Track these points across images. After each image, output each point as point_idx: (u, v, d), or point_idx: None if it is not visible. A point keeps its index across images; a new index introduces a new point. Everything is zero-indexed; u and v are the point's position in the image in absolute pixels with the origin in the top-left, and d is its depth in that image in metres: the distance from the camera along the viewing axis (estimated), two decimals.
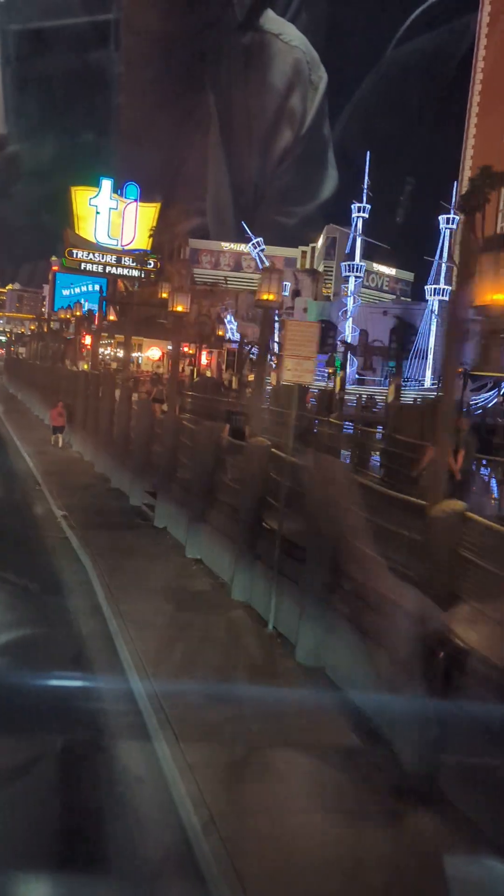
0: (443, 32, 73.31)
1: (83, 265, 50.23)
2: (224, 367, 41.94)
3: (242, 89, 77.89)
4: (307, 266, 61.21)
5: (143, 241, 50.88)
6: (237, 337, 45.13)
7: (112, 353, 41.11)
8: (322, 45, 77.88)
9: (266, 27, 75.24)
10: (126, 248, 50.74)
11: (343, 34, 75.33)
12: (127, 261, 50.52)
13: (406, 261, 54.09)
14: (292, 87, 79.41)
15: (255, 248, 52.40)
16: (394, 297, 51.87)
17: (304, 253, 62.88)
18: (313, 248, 62.86)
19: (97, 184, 50.14)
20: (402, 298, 53.85)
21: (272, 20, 75.60)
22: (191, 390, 26.94)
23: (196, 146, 76.00)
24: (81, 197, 50.01)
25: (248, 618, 7.96)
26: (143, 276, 50.99)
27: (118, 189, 50.35)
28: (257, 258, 52.38)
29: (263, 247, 51.88)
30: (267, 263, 50.20)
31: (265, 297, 14.38)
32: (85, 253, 50.03)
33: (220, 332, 42.67)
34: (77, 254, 49.83)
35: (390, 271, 56.40)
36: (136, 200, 50.67)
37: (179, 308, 17.59)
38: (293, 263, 61.19)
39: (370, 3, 74.19)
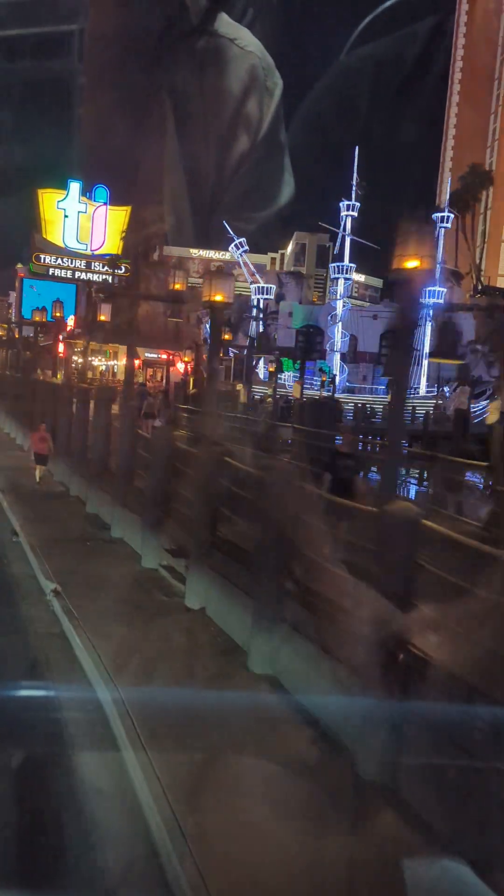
0: (397, 37, 74.18)
1: (51, 270, 48.54)
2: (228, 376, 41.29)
3: (198, 94, 77.08)
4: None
5: (113, 246, 49.46)
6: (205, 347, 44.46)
7: (83, 362, 39.57)
8: (276, 51, 77.64)
9: (221, 31, 74.61)
10: (96, 252, 49.23)
11: (297, 40, 75.27)
12: (97, 266, 49.00)
13: (376, 264, 53.87)
14: (248, 93, 79.00)
15: (238, 248, 51.27)
16: (366, 303, 51.48)
17: (273, 259, 62.24)
18: (282, 255, 62.28)
19: (65, 186, 48.53)
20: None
21: (227, 24, 75.03)
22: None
23: (153, 151, 74.68)
24: (48, 200, 48.36)
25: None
26: (114, 281, 49.47)
27: (87, 192, 48.83)
28: (240, 260, 51.25)
29: (246, 247, 50.79)
30: (251, 265, 49.42)
31: (215, 297, 13.44)
32: (53, 258, 48.35)
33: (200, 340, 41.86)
34: (45, 259, 48.11)
35: (359, 277, 56.20)
36: (105, 204, 49.26)
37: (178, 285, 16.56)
38: (262, 270, 60.50)
39: (324, 8, 74.21)
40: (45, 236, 48.34)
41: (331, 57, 77.18)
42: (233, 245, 51.23)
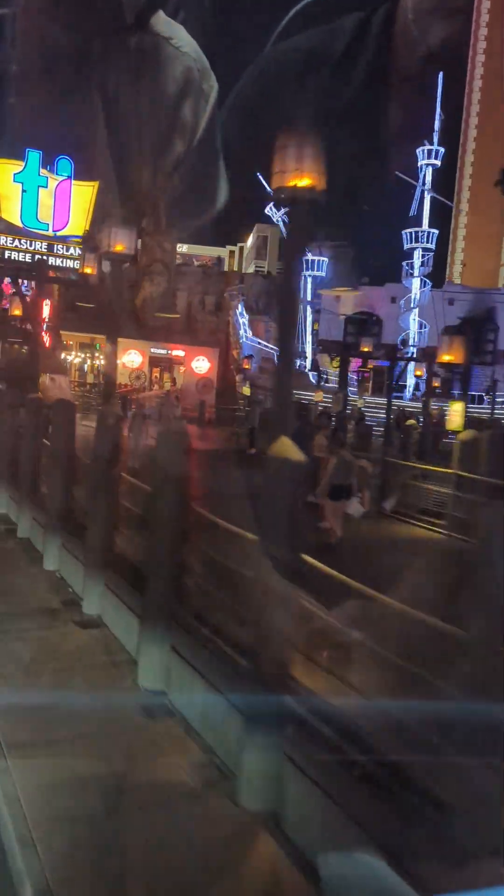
0: (322, 31, 72.24)
1: (6, 253, 41.40)
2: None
3: (131, 94, 71.92)
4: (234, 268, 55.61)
5: (78, 227, 43.03)
6: (247, 334, 38.57)
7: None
8: (209, 50, 74.12)
9: (157, 29, 70.09)
10: (58, 233, 42.58)
11: (228, 38, 72.16)
12: (60, 249, 42.34)
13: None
14: (183, 95, 74.60)
15: (279, 210, 45.09)
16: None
17: (231, 253, 57.27)
18: (241, 248, 57.33)
19: (23, 157, 41.86)
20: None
21: (163, 22, 70.60)
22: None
23: (84, 153, 68.58)
24: (4, 172, 41.55)
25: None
26: (79, 266, 42.90)
27: (47, 164, 42.36)
28: (281, 223, 45.22)
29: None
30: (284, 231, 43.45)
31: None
32: (9, 239, 41.32)
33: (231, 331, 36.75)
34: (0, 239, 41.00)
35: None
36: (69, 177, 42.89)
37: None
38: (222, 264, 55.23)
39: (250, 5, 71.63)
40: None
41: (258, 47, 74.76)
42: (271, 205, 45.12)
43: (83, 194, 43.20)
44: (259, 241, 55.06)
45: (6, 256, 41.57)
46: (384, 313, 39.77)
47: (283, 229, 43.93)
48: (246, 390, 36.70)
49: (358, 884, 2.10)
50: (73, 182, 42.88)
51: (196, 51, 74.64)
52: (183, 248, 50.79)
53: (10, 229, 41.48)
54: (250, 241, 55.94)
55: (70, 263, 42.63)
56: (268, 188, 45.07)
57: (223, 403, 39.91)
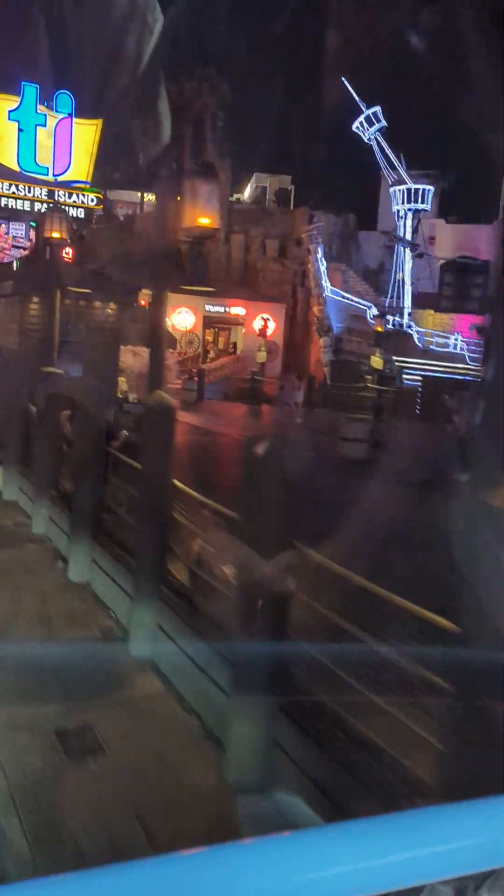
0: None
1: (4, 201, 37.00)
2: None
3: (74, 19, 65.68)
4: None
5: (81, 171, 38.52)
6: (328, 286, 32.50)
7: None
8: None
9: None
10: (59, 178, 38.05)
11: None
12: (62, 196, 37.90)
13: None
14: (127, 26, 68.69)
15: (371, 124, 37.21)
16: None
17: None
18: (238, 199, 52.29)
19: (17, 91, 37.08)
20: None
21: None
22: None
23: (24, 72, 62.51)
24: None
25: None
26: (83, 215, 38.64)
27: (45, 101, 37.60)
28: (376, 144, 37.86)
29: (383, 122, 37.80)
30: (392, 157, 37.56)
31: None
32: (6, 184, 36.86)
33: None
34: None
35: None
36: (70, 115, 38.19)
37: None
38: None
39: None
40: None
41: None
42: (362, 119, 38.71)
43: (86, 134, 38.56)
44: (258, 191, 49.99)
45: (2, 205, 37.21)
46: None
47: (377, 149, 38.00)
48: (377, 361, 29.79)
49: (275, 819, 2.17)
50: (75, 119, 38.18)
51: None
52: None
53: (6, 173, 36.95)
54: (247, 191, 50.92)
55: (74, 212, 38.29)
56: (357, 98, 38.91)
57: (295, 372, 34.02)
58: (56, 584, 9.73)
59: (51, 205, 36.98)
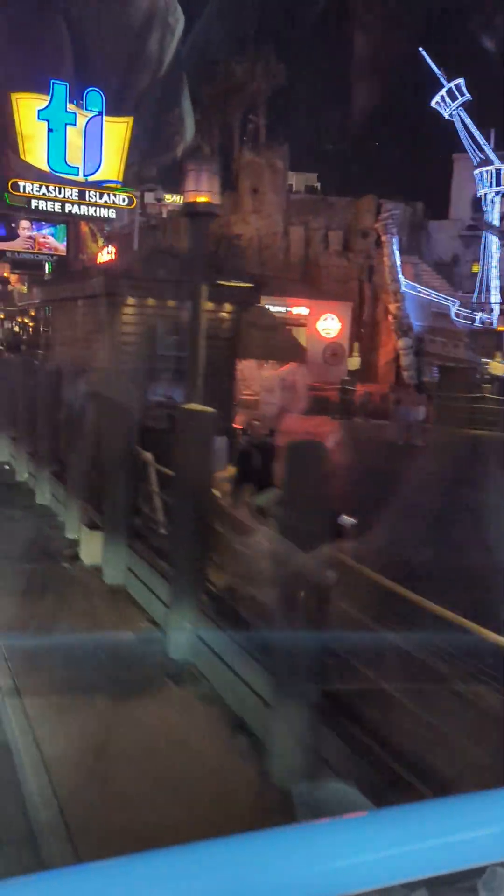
0: None
1: (33, 203, 37.29)
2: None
3: (96, 21, 66.14)
4: None
5: (112, 170, 38.71)
6: (403, 283, 30.05)
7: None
8: None
9: None
10: (90, 178, 38.26)
11: None
12: (93, 196, 38.09)
13: None
14: (149, 28, 68.87)
15: (453, 99, 34.62)
16: None
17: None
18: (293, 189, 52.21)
19: (47, 91, 37.36)
20: None
21: None
22: None
23: (53, 71, 62.89)
24: (26, 108, 37.09)
25: None
26: (115, 216, 38.83)
27: (74, 100, 37.82)
28: (458, 121, 35.34)
29: (468, 95, 35.30)
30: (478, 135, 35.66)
31: None
32: (35, 186, 37.13)
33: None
34: (24, 187, 36.82)
35: None
36: (101, 113, 38.36)
37: None
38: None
39: None
40: (22, 157, 37.02)
41: None
42: (443, 93, 36.21)
43: (116, 132, 38.75)
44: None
45: (33, 206, 37.51)
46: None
47: (459, 127, 36.11)
48: (498, 367, 26.33)
49: (331, 807, 2.17)
50: (105, 117, 38.36)
51: None
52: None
53: (36, 174, 37.23)
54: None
55: (105, 213, 38.51)
56: (438, 73, 36.87)
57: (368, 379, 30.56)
58: None
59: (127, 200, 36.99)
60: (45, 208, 37.61)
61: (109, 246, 34.36)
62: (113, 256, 40.02)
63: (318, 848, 0.85)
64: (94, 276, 22.42)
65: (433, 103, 35.79)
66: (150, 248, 30.74)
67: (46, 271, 40.62)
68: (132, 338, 20.37)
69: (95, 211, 38.23)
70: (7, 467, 19.05)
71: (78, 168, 38.05)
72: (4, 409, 20.46)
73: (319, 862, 0.83)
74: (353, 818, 0.94)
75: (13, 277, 43.54)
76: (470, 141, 36.23)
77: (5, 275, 42.16)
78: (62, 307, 26.72)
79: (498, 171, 35.18)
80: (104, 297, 20.81)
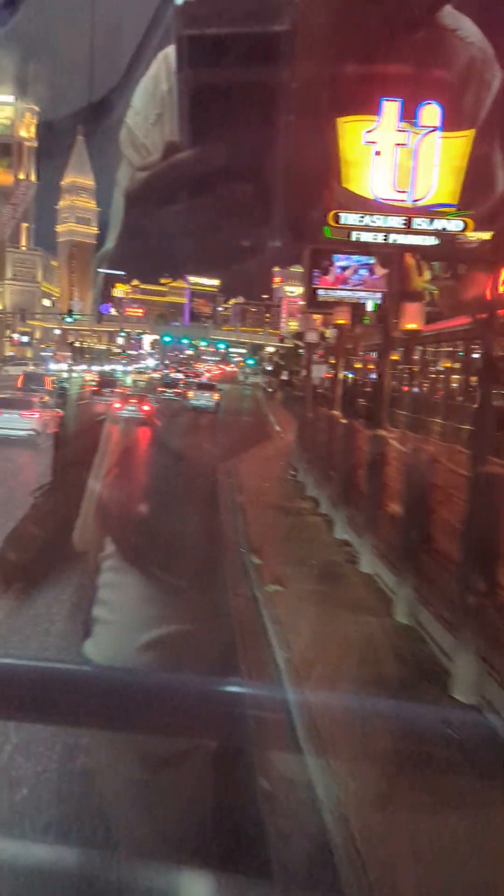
0: None
1: (354, 234, 34.09)
2: None
3: (413, 88, 45.86)
4: None
5: (446, 193, 31.61)
6: None
7: None
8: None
9: (444, 22, 39.81)
10: (419, 203, 32.95)
11: None
12: (422, 224, 33.09)
13: None
14: (466, 86, 43.74)
15: None
16: None
17: None
18: None
19: (376, 110, 31.63)
20: None
21: (449, 14, 39.55)
22: None
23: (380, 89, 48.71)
24: (352, 132, 30.87)
25: None
26: (442, 243, 33.57)
27: (405, 118, 31.39)
28: None
29: None
30: None
31: None
32: (357, 217, 33.54)
33: None
34: (346, 218, 33.63)
35: None
36: (437, 129, 31.33)
37: None
38: None
39: None
40: (344, 185, 33.09)
41: None
42: None
43: (453, 149, 31.14)
44: None
45: (352, 238, 34.48)
46: None
47: None
48: None
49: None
50: (443, 133, 31.45)
51: (481, 39, 40.85)
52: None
53: (359, 203, 33.48)
54: None
55: (429, 241, 33.55)
56: None
57: None
58: None
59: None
60: (366, 239, 34.29)
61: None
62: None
63: None
64: None
65: None
66: None
67: (368, 309, 37.82)
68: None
69: (421, 239, 33.51)
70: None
71: (407, 192, 32.72)
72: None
73: None
74: None
75: (318, 318, 41.14)
76: None
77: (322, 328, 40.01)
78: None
79: None
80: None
